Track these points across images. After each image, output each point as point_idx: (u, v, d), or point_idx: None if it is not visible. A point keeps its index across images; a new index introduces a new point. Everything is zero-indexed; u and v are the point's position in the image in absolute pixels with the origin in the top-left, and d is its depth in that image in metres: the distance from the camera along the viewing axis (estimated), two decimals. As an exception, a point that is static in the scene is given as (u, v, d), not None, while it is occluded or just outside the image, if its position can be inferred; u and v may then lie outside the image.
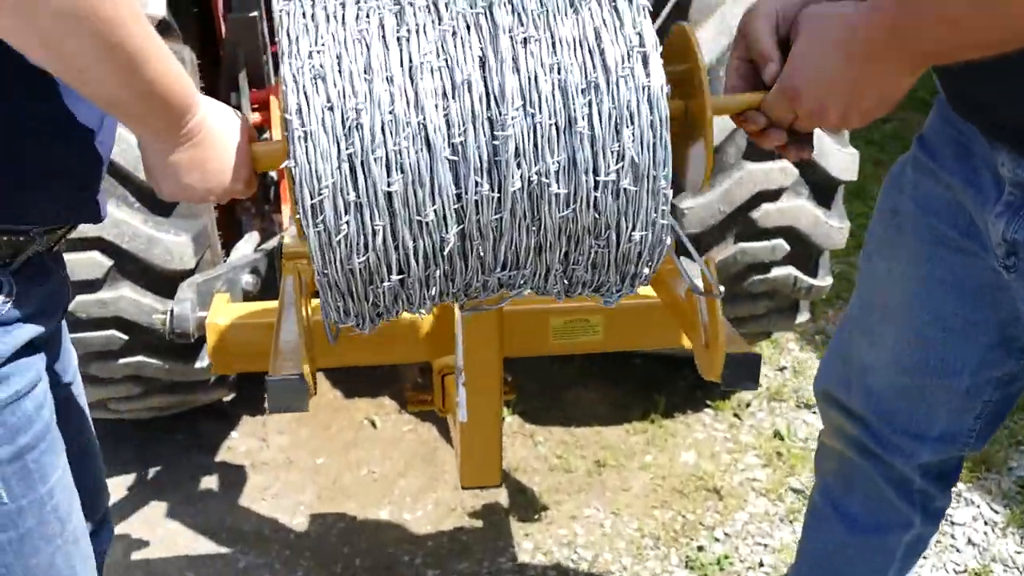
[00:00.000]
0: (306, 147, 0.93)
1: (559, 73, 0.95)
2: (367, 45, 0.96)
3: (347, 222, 0.95)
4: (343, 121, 0.93)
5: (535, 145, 0.95)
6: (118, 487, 2.44)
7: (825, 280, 2.31)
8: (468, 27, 0.97)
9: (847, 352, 1.48)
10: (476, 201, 0.96)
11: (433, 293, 1.04)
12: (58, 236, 1.08)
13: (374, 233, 0.96)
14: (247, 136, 1.04)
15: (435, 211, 0.96)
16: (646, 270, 1.05)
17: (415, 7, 0.99)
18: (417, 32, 0.97)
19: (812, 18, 1.04)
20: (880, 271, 1.41)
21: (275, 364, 1.21)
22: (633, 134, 0.95)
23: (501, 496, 2.39)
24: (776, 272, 2.23)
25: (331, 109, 0.94)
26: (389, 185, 0.94)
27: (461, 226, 0.98)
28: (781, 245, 2.18)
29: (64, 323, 1.22)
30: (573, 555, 2.24)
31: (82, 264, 1.95)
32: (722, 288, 1.22)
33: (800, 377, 2.80)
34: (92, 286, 2.00)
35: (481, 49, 0.96)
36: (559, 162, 0.95)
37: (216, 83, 2.33)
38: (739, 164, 2.08)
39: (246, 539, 2.32)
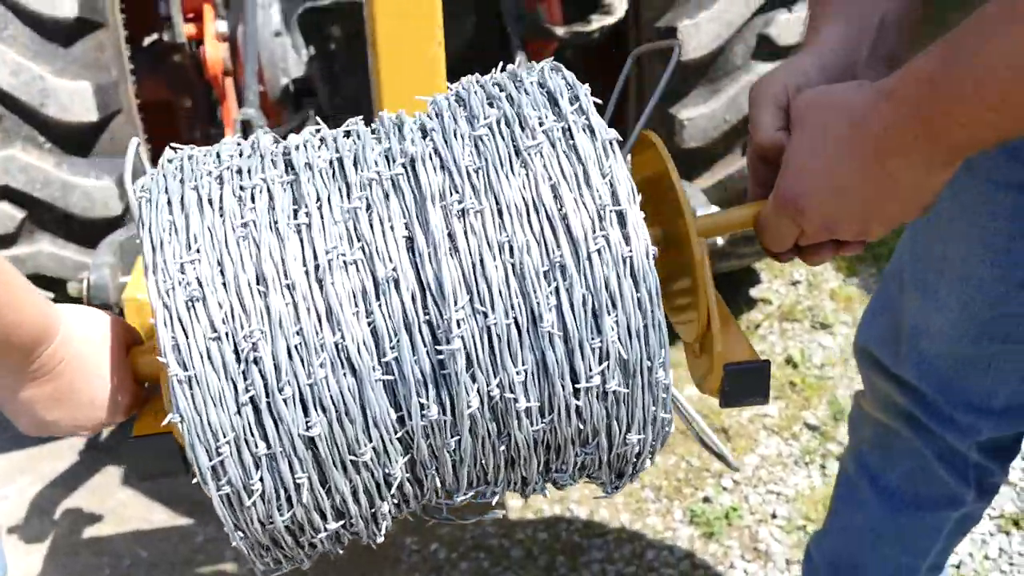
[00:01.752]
0: (191, 394, 0.70)
1: (511, 254, 0.72)
2: (255, 242, 0.73)
3: (260, 479, 0.73)
4: (236, 354, 0.70)
5: (491, 352, 0.72)
6: (61, 455, 2.19)
7: None
8: (386, 196, 0.74)
9: (896, 310, 1.25)
10: (424, 427, 0.74)
11: (384, 525, 0.82)
12: None
13: (296, 487, 0.74)
14: (122, 350, 0.82)
15: (373, 448, 0.74)
16: (648, 463, 0.83)
17: (313, 171, 0.76)
18: (320, 211, 0.74)
19: (808, 106, 0.80)
20: (939, 218, 1.16)
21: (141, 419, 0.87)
22: (617, 322, 0.72)
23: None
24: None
25: (217, 339, 0.71)
26: (308, 428, 0.72)
27: (409, 455, 0.76)
28: None
29: None
30: (566, 512, 2.01)
31: None
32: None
33: (816, 292, 2.52)
34: (5, 241, 1.76)
35: (407, 227, 0.73)
36: (525, 370, 0.72)
37: None
38: (747, 65, 1.85)
39: (204, 509, 2.06)
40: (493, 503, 0.84)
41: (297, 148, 0.78)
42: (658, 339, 0.74)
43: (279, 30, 2.08)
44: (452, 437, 0.75)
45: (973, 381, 1.21)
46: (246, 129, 1.88)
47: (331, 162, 0.77)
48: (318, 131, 0.82)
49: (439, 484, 0.79)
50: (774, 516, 1.97)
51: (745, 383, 0.87)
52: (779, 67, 0.88)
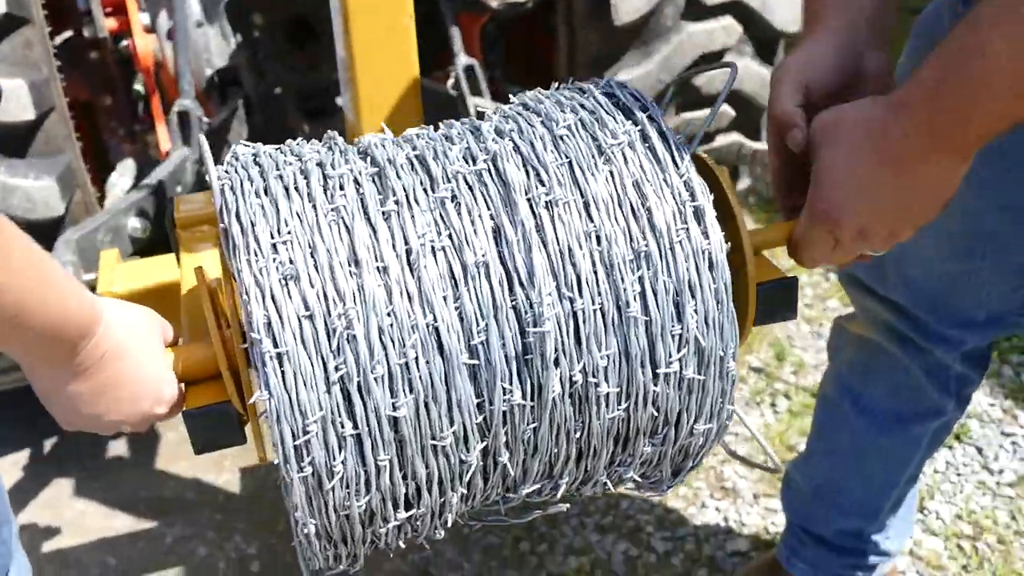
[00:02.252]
0: (282, 372, 0.70)
1: (598, 243, 0.75)
2: (347, 227, 0.73)
3: (343, 461, 0.72)
4: (329, 333, 0.71)
5: (576, 337, 0.74)
6: (9, 470, 2.07)
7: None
8: (471, 188, 0.76)
9: None
10: (504, 412, 0.75)
11: (445, 520, 0.82)
12: None
13: (377, 470, 0.74)
14: (162, 344, 0.81)
15: (454, 432, 0.74)
16: (704, 458, 0.86)
17: (396, 166, 0.77)
18: (408, 201, 0.75)
19: (829, 127, 0.86)
20: None
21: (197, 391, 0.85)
22: (696, 311, 0.76)
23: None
24: (720, 140, 2.07)
25: (311, 319, 0.71)
26: (395, 408, 0.72)
27: (484, 443, 0.77)
28: (726, 111, 2.03)
29: None
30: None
31: None
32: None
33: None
34: None
35: (493, 217, 0.75)
36: (608, 355, 0.75)
37: None
38: (677, 26, 1.92)
39: (169, 508, 1.98)
40: (549, 503, 0.86)
41: (375, 145, 0.80)
42: (732, 330, 0.78)
43: (200, 20, 2.07)
44: (530, 424, 0.76)
45: (959, 298, 1.28)
46: (183, 120, 1.85)
47: (410, 159, 0.79)
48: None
49: (508, 475, 0.80)
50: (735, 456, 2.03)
51: (776, 299, 0.90)
52: (796, 53, 0.94)
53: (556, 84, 0.89)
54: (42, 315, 0.67)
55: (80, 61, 2.09)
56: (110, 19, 2.09)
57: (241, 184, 0.76)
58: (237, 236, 0.72)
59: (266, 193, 0.75)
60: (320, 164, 0.78)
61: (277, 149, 0.82)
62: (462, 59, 1.96)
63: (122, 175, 1.93)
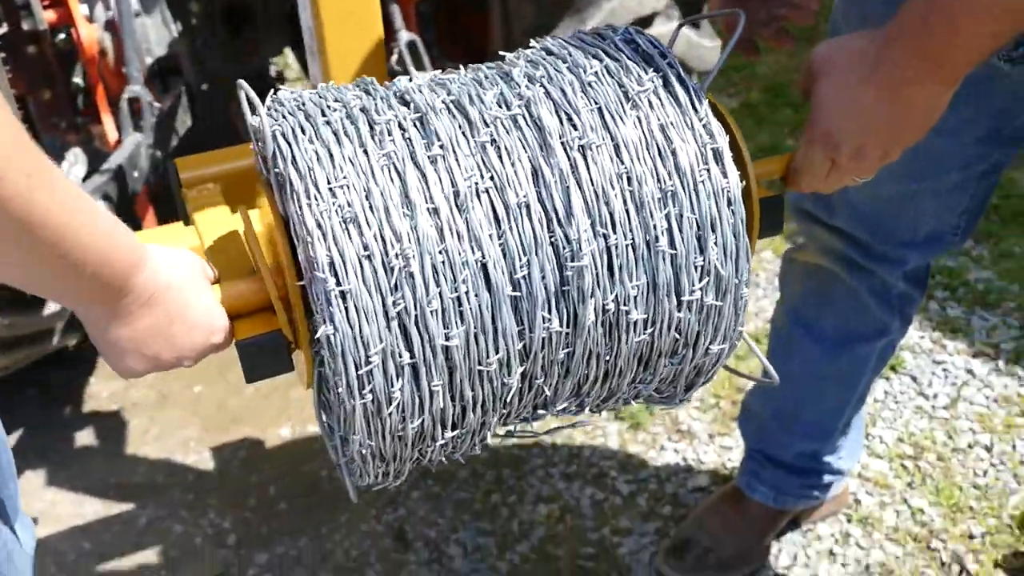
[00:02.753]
0: (345, 308, 0.76)
1: (629, 184, 0.81)
2: (398, 171, 0.78)
3: (400, 388, 0.79)
4: (387, 271, 0.76)
5: (610, 270, 0.81)
6: None
7: None
8: (508, 132, 0.81)
9: None
10: (544, 338, 0.82)
11: (483, 437, 0.90)
12: None
13: (430, 395, 0.80)
14: (207, 280, 0.85)
15: (499, 359, 0.81)
16: (715, 375, 0.95)
17: (435, 111, 0.82)
18: (452, 146, 0.80)
19: (825, 60, 0.94)
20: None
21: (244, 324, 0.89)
22: (716, 243, 0.83)
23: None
24: None
25: (370, 258, 0.76)
26: (447, 339, 0.78)
27: (523, 367, 0.84)
28: None
29: None
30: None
31: None
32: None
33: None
34: None
35: (531, 160, 0.81)
36: (638, 286, 0.82)
37: None
38: None
39: (140, 492, 2.05)
40: (574, 420, 0.94)
41: (414, 90, 0.84)
42: (746, 261, 0.85)
43: (138, 10, 2.06)
44: (564, 349, 0.84)
45: (900, 219, 1.38)
46: (133, 107, 1.86)
47: (447, 103, 0.83)
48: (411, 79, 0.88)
49: (541, 395, 0.88)
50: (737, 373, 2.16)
51: (765, 217, 0.97)
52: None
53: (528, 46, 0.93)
54: (91, 246, 0.68)
55: (18, 55, 2.04)
56: (49, 11, 2.03)
57: (293, 131, 0.79)
58: (295, 181, 0.76)
59: (321, 139, 0.79)
60: (364, 110, 0.82)
61: (317, 94, 0.85)
62: (404, 35, 1.98)
63: (73, 164, 1.92)
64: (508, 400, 0.86)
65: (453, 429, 0.85)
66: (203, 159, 1.17)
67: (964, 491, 1.83)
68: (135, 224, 1.54)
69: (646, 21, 2.09)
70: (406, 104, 0.84)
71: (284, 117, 0.82)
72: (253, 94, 0.83)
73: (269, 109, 0.83)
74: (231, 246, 1.01)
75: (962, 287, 2.37)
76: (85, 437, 2.21)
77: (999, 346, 2.18)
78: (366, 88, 0.87)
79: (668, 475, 1.96)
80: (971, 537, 1.74)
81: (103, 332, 0.78)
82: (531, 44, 0.93)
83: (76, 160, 1.94)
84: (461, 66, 0.92)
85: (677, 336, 0.87)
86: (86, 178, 1.92)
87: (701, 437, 2.05)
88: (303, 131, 0.80)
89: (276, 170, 0.79)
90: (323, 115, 0.81)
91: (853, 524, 1.81)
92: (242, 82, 0.86)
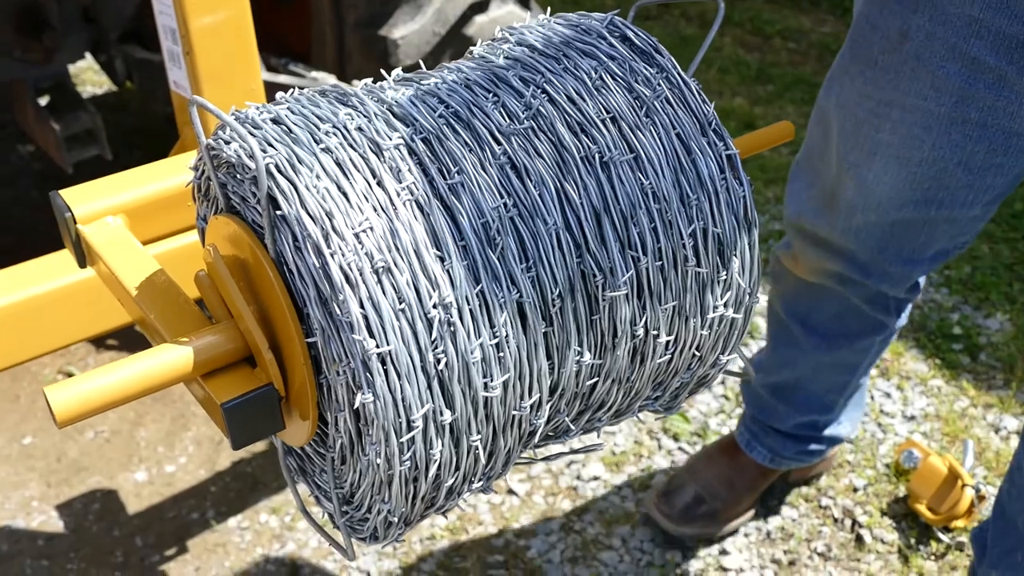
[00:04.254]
0: (385, 371, 0.66)
1: (655, 201, 0.76)
2: (420, 205, 0.69)
3: (440, 450, 0.70)
4: (427, 325, 0.67)
5: (638, 295, 0.76)
6: None
7: None
8: (528, 152, 0.74)
9: (828, 190, 1.36)
10: (575, 372, 0.76)
11: (507, 472, 0.83)
12: None
13: (468, 451, 0.72)
14: None
15: (531, 403, 0.75)
16: (712, 384, 0.93)
17: (441, 129, 0.73)
18: (472, 171, 0.72)
19: None
20: (868, 101, 1.23)
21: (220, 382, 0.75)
22: (736, 255, 0.80)
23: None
24: None
25: (405, 311, 0.67)
26: (489, 390, 0.71)
27: (550, 403, 0.78)
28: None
29: None
30: None
31: None
32: None
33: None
34: None
35: (553, 180, 0.74)
36: (667, 308, 0.78)
37: None
38: None
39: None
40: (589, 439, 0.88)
41: (406, 103, 0.74)
42: (759, 270, 0.83)
43: None
44: (590, 380, 0.78)
45: (909, 240, 1.34)
46: None
47: (446, 117, 0.74)
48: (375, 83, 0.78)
49: (562, 427, 0.82)
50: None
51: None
52: None
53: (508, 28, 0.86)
54: None
55: None
56: None
57: (290, 163, 0.68)
58: (310, 227, 0.65)
59: (328, 176, 0.68)
60: (361, 130, 0.72)
61: (290, 110, 0.74)
62: None
63: None
64: (534, 441, 0.79)
65: (480, 480, 0.78)
66: (97, 188, 0.99)
67: (840, 447, 1.94)
68: None
69: (481, 6, 2.04)
70: (399, 119, 0.74)
71: (270, 144, 0.70)
72: (223, 114, 0.70)
73: (241, 132, 0.71)
74: (163, 289, 0.87)
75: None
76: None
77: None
78: (343, 100, 0.76)
79: (560, 468, 1.94)
80: (855, 490, 1.84)
81: None
82: (498, 36, 0.84)
83: None
84: (445, 67, 0.83)
85: (696, 353, 0.83)
86: None
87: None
88: (300, 161, 0.68)
89: (279, 212, 0.67)
90: (316, 141, 0.70)
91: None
92: (199, 98, 0.72)
